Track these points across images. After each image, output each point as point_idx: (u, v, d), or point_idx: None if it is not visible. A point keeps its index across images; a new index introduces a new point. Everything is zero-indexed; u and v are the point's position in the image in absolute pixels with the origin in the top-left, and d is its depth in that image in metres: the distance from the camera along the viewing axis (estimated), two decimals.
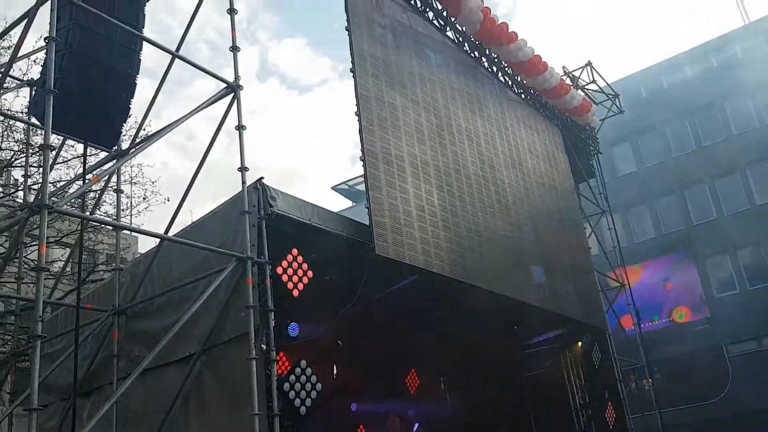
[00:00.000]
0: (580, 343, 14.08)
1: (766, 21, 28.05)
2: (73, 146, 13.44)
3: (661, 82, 29.32)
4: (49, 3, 6.15)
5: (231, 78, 7.75)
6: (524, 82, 15.11)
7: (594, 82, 18.80)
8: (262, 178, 7.33)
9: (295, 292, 7.31)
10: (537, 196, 13.65)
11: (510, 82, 14.76)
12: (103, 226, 14.82)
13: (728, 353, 24.54)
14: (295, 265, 7.38)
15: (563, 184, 15.39)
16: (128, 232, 16.08)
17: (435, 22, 12.58)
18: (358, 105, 9.08)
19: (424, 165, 10.11)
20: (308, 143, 78.19)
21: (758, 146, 25.19)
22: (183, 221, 18.73)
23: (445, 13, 12.70)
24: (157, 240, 8.11)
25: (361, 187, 10.28)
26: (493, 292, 10.53)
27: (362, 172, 8.81)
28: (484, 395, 12.13)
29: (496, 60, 14.16)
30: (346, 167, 79.92)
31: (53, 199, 7.96)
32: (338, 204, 42.35)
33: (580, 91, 17.90)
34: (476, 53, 13.72)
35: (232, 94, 7.69)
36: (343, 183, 38.19)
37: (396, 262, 8.59)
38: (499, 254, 11.33)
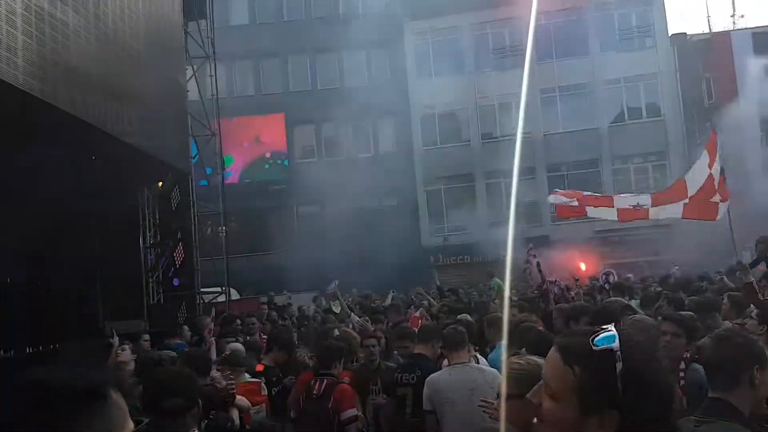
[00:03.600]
0: (161, 183, 13.81)
1: None
2: None
3: None
4: None
5: None
6: None
7: None
8: None
9: None
10: (142, 22, 12.34)
11: None
12: None
13: (297, 214, 27.68)
14: None
15: (172, 17, 14.29)
16: None
17: None
18: None
19: None
20: None
21: (366, 30, 27.42)
22: None
23: None
24: None
25: None
26: (75, 116, 9.26)
27: None
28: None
29: None
30: None
31: None
32: None
33: None
34: None
35: None
36: None
37: None
38: (93, 75, 9.95)
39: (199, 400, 2.83)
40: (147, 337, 8.72)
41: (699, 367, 4.40)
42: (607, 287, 12.04)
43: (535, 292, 10.23)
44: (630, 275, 16.94)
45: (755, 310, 5.01)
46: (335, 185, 24.21)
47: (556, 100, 26.79)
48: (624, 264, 21.20)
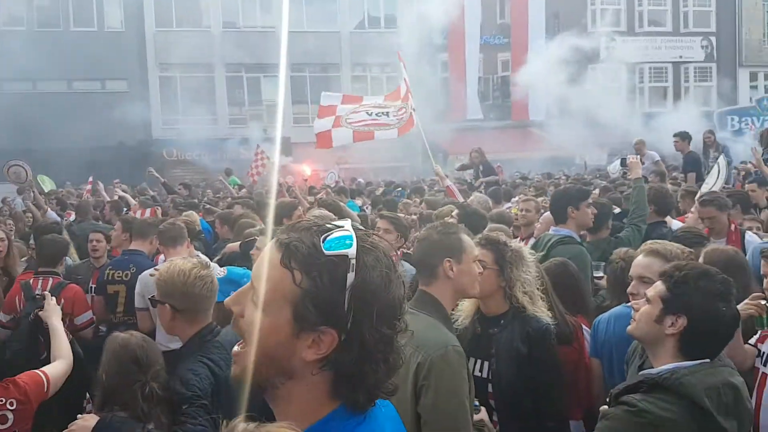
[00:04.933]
0: None
1: None
2: None
3: None
4: None
5: None
6: None
7: None
8: None
9: None
10: None
11: None
12: None
13: (1, 90, 23.58)
14: None
15: None
16: None
17: None
18: None
19: None
20: None
21: None
22: None
23: None
24: None
25: None
26: None
27: None
28: None
29: None
30: None
31: None
32: None
33: None
34: None
35: None
36: None
37: None
38: None
39: None
40: None
41: (404, 262, 4.85)
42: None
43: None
44: (360, 179, 17.98)
45: (455, 210, 5.60)
46: (49, 61, 21.10)
47: None
48: (362, 168, 22.35)
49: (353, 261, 1.17)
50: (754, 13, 28.80)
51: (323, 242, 1.18)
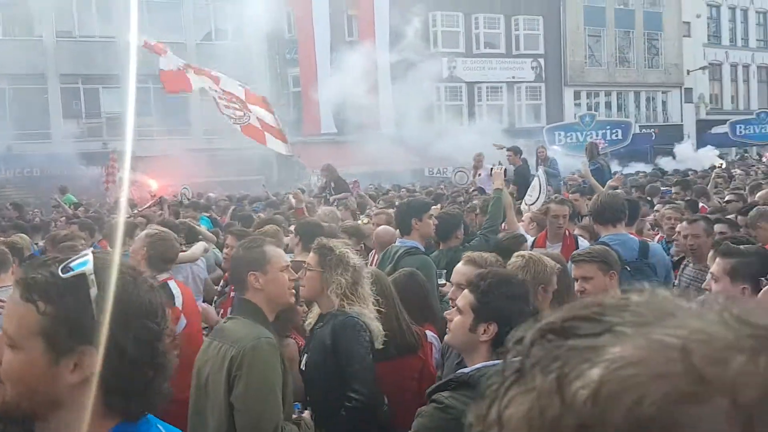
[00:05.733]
0: None
1: None
2: None
3: None
4: None
5: None
6: None
7: None
8: None
9: None
10: None
11: None
12: None
13: None
14: None
15: None
16: None
17: None
18: None
19: None
20: None
21: None
22: None
23: None
24: None
25: None
26: None
27: None
28: None
29: None
30: None
31: None
32: None
33: None
34: None
35: None
36: None
37: None
38: None
39: None
40: None
41: None
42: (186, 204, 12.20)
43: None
44: (211, 194, 17.52)
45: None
46: None
47: (144, 8, 25.15)
48: (210, 183, 21.69)
49: (92, 277, 1.21)
50: (577, 37, 31.79)
51: (60, 269, 1.22)
